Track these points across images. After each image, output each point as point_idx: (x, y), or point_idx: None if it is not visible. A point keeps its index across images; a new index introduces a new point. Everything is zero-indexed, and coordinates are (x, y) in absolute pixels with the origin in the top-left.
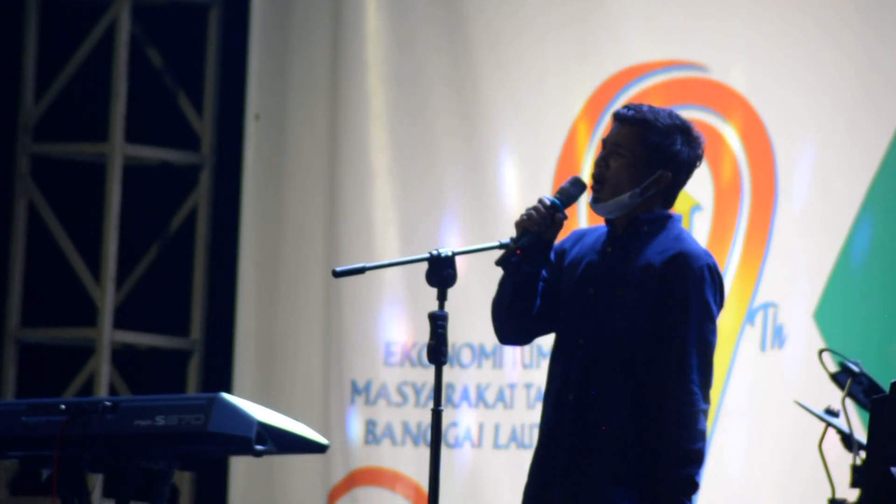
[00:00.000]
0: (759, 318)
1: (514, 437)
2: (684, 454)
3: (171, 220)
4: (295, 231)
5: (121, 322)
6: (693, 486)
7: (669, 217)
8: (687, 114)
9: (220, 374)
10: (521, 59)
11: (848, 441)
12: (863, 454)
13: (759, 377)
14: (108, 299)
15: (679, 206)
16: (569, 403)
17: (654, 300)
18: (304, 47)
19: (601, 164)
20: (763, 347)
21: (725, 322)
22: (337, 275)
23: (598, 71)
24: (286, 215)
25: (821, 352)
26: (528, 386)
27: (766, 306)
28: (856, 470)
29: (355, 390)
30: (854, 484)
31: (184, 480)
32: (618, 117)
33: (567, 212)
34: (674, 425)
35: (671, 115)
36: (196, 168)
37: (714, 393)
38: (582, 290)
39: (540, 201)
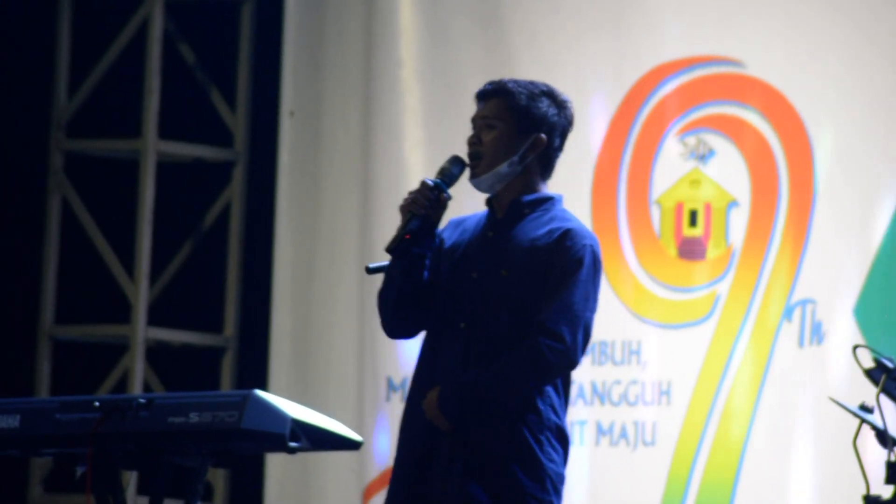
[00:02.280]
0: (796, 315)
1: None
2: (497, 374)
3: (205, 217)
4: (330, 228)
5: (154, 319)
6: (472, 405)
7: (551, 198)
8: (723, 110)
9: (253, 371)
10: (557, 55)
11: (882, 437)
12: None
13: (797, 373)
14: (141, 296)
15: (715, 203)
16: None
17: (541, 277)
18: (337, 43)
19: (474, 142)
20: (801, 343)
21: (763, 318)
22: (370, 271)
23: (634, 67)
24: (321, 212)
25: (855, 348)
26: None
27: (804, 302)
28: (891, 466)
29: (391, 387)
30: (889, 480)
31: (218, 477)
32: (480, 95)
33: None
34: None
35: (532, 82)
36: (229, 164)
37: (751, 388)
38: (463, 275)
39: (423, 183)
